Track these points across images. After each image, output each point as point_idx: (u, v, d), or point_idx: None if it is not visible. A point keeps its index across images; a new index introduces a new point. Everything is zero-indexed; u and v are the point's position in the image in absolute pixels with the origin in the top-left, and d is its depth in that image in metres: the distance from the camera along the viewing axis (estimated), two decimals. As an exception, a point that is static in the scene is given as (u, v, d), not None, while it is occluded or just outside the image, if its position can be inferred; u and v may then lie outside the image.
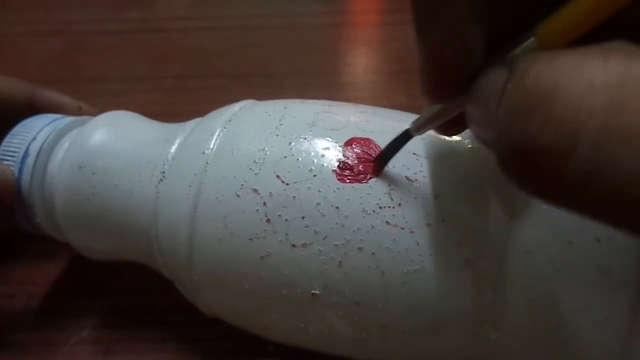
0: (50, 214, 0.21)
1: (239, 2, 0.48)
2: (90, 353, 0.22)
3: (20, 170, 0.20)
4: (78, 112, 0.25)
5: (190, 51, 0.41)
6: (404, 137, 0.16)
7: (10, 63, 0.39)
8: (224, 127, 0.19)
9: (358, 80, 0.41)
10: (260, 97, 0.21)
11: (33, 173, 0.20)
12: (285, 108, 0.19)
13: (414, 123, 0.15)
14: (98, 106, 0.26)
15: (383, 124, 0.18)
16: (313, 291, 0.16)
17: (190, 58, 0.41)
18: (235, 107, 0.20)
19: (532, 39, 0.11)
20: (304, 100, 0.20)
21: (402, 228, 0.16)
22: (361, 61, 0.44)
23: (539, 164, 0.09)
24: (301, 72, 0.39)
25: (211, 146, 0.18)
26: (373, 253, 0.16)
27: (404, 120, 0.18)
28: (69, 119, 0.22)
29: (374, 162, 0.17)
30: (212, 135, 0.19)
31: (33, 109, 0.24)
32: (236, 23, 0.45)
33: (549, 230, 0.15)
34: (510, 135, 0.10)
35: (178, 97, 0.36)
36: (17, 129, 0.21)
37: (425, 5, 0.12)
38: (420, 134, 0.15)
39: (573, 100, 0.09)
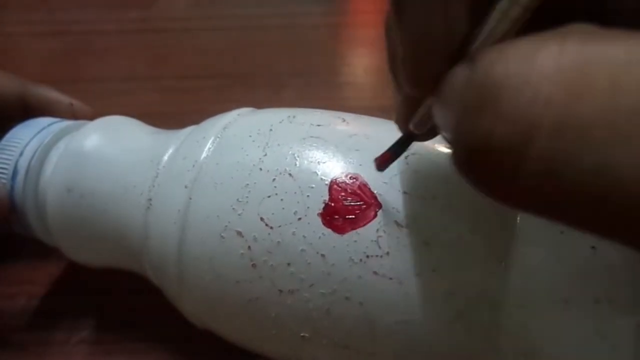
0: (45, 228, 0.21)
1: (239, 2, 0.48)
2: (90, 353, 0.22)
3: (12, 187, 0.20)
4: (70, 109, 0.25)
5: (190, 51, 0.41)
6: (406, 140, 0.15)
7: (10, 63, 0.39)
8: (207, 155, 0.18)
9: (358, 80, 0.40)
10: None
11: (24, 191, 0.20)
12: (271, 130, 0.18)
13: (412, 121, 0.14)
14: (98, 106, 0.26)
15: (374, 152, 0.17)
16: (302, 334, 0.16)
17: (190, 58, 0.41)
18: (220, 124, 0.19)
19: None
20: (293, 114, 0.19)
21: (391, 278, 0.15)
22: (361, 61, 0.44)
23: (493, 165, 0.08)
24: (301, 72, 0.39)
25: (193, 178, 0.17)
26: (361, 303, 0.15)
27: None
28: (55, 126, 0.22)
29: (375, 164, 0.16)
30: (194, 164, 0.18)
31: (24, 105, 0.24)
32: (236, 23, 0.45)
33: (545, 285, 0.14)
34: (463, 132, 0.09)
35: (178, 97, 0.36)
36: (4, 142, 0.21)
37: None
38: (423, 131, 0.14)
39: (526, 90, 0.08)
